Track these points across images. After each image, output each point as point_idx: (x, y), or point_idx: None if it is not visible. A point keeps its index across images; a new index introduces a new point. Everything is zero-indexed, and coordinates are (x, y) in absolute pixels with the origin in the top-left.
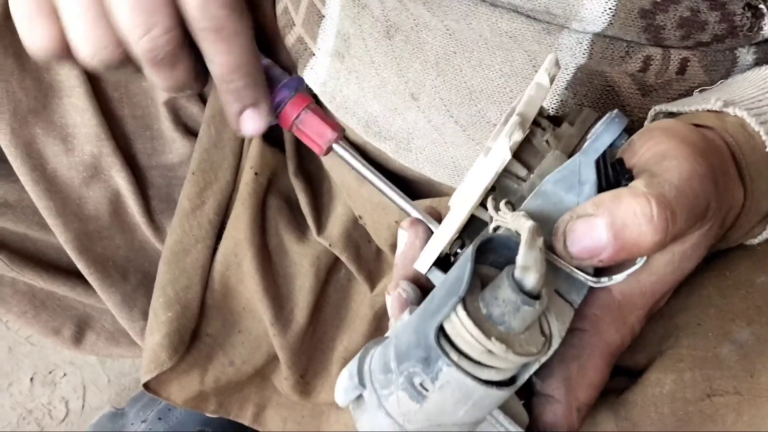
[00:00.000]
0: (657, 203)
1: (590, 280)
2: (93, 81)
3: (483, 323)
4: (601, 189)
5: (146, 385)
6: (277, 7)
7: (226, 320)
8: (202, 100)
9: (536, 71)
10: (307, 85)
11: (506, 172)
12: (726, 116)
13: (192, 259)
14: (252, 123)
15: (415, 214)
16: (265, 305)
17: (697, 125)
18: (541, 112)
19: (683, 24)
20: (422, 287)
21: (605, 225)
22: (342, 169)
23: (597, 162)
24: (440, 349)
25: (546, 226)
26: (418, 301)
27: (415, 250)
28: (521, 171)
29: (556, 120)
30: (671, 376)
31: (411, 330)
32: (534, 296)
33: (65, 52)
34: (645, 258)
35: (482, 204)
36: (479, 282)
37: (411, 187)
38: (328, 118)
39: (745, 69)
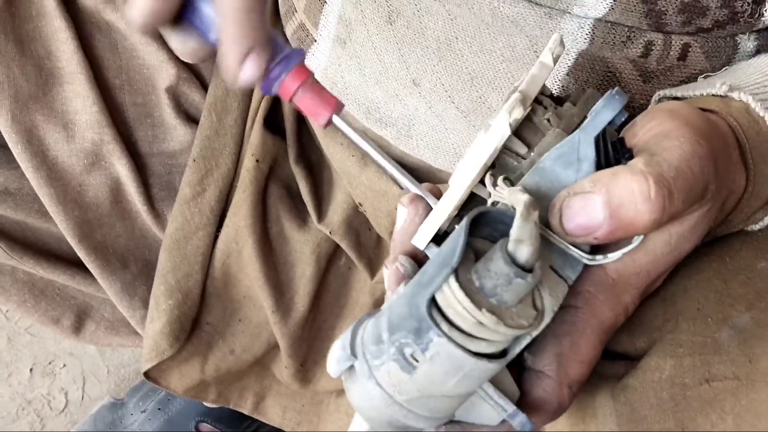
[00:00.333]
0: (655, 182)
1: (585, 257)
2: (94, 68)
3: (475, 295)
4: (599, 167)
5: (147, 374)
6: None
7: (226, 308)
8: (204, 87)
9: (537, 56)
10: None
11: (506, 149)
12: (731, 101)
13: (193, 247)
14: (252, 68)
15: (414, 188)
16: (265, 293)
17: (701, 109)
18: (544, 91)
19: (684, 9)
20: (420, 263)
21: (602, 202)
22: (342, 155)
23: (596, 139)
24: (431, 320)
25: (543, 202)
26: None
27: (414, 227)
28: (521, 148)
29: (558, 100)
30: (670, 361)
31: (404, 301)
32: (527, 269)
33: None
34: (641, 237)
35: (482, 181)
36: (473, 255)
37: (412, 173)
38: (328, 92)
39: (746, 56)
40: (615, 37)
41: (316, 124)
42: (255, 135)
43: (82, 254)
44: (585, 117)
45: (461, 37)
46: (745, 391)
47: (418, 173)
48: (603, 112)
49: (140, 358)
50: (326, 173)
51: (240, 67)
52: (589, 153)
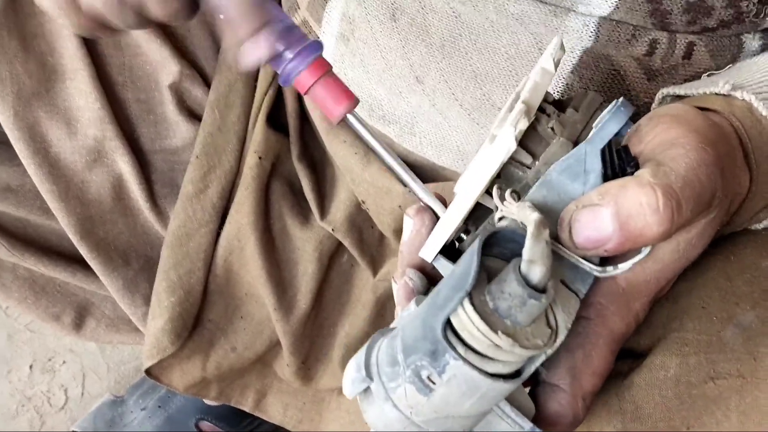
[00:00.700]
0: (663, 194)
1: (595, 270)
2: (97, 64)
3: (489, 317)
4: (606, 177)
5: (148, 371)
6: None
7: (228, 306)
8: (207, 83)
9: (542, 54)
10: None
11: (511, 159)
12: (734, 100)
13: (195, 244)
14: (260, 48)
15: (421, 193)
16: (268, 290)
17: (704, 108)
18: (546, 97)
19: (690, 9)
20: (428, 275)
21: (610, 215)
22: (346, 153)
23: (602, 151)
24: (447, 343)
25: (551, 215)
26: (425, 289)
27: (421, 238)
28: (526, 158)
29: (560, 105)
30: (676, 360)
31: (418, 323)
32: (540, 290)
33: None
34: (650, 247)
35: (487, 191)
36: (485, 275)
37: (414, 171)
38: (345, 86)
39: (751, 55)
40: (620, 35)
41: (329, 118)
42: (258, 132)
43: (83, 251)
44: (588, 122)
45: (465, 34)
46: (750, 389)
47: (421, 170)
48: (609, 124)
49: (140, 355)
50: (329, 170)
51: (247, 47)
52: (595, 165)
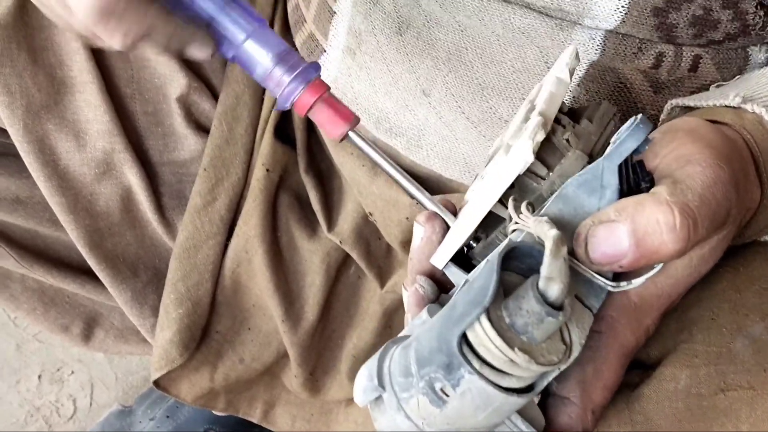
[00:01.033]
0: (680, 212)
1: (610, 285)
2: (105, 77)
3: (506, 333)
4: (622, 192)
5: (156, 383)
6: (288, 4)
7: (236, 317)
8: (214, 96)
9: (548, 67)
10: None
11: (526, 170)
12: (744, 112)
13: (203, 256)
14: (196, 54)
15: (430, 205)
16: (275, 302)
17: (714, 121)
18: (561, 107)
19: (696, 22)
20: (438, 282)
21: (627, 232)
22: (353, 165)
23: (619, 167)
24: (463, 357)
25: (566, 229)
26: (435, 296)
27: (431, 245)
28: (541, 170)
29: (573, 114)
30: (686, 371)
31: (433, 335)
32: (557, 307)
33: None
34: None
35: (500, 201)
36: (502, 289)
37: (421, 183)
38: (345, 106)
39: (757, 67)
40: (626, 48)
41: (331, 138)
42: (265, 144)
43: (92, 263)
44: (602, 133)
45: (471, 48)
46: (761, 400)
47: (428, 183)
48: (627, 140)
49: (148, 366)
50: (336, 182)
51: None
52: (612, 181)
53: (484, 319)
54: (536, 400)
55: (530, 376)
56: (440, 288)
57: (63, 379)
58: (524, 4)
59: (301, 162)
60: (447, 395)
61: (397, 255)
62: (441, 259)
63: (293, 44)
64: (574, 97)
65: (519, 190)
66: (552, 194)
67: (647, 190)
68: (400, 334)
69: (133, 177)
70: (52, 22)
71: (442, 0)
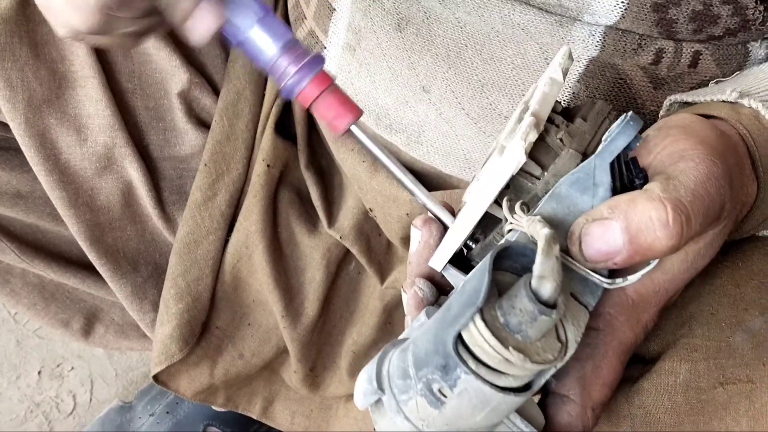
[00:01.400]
0: (672, 208)
1: (605, 282)
2: (107, 72)
3: (500, 332)
4: (615, 190)
5: (156, 378)
6: (288, 1)
7: (236, 313)
8: (215, 91)
9: (548, 64)
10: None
11: (520, 170)
12: (741, 107)
13: (203, 251)
14: (205, 22)
15: (430, 204)
16: (275, 297)
17: (711, 116)
18: (554, 107)
19: (696, 18)
20: (437, 284)
21: (620, 228)
22: (353, 161)
23: (611, 164)
24: (458, 358)
25: (560, 228)
26: (435, 298)
27: (429, 248)
28: (535, 169)
29: (567, 113)
30: (685, 365)
31: (430, 337)
32: (550, 305)
33: None
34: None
35: (495, 201)
36: (496, 289)
37: (421, 179)
38: (349, 98)
39: (757, 63)
40: (626, 44)
41: (334, 132)
42: (266, 140)
43: (92, 257)
44: (596, 132)
45: (471, 44)
46: (760, 394)
47: (428, 179)
48: (618, 138)
49: (148, 361)
50: (337, 178)
51: (191, 24)
52: (604, 178)
53: (478, 320)
54: (536, 399)
55: (526, 374)
56: (440, 290)
57: (63, 375)
58: (524, 1)
59: (302, 158)
60: (445, 396)
61: (397, 251)
62: (439, 261)
63: None
64: (574, 93)
65: (514, 191)
66: (547, 193)
67: (641, 186)
68: (400, 337)
69: (133, 172)
70: None
71: None
